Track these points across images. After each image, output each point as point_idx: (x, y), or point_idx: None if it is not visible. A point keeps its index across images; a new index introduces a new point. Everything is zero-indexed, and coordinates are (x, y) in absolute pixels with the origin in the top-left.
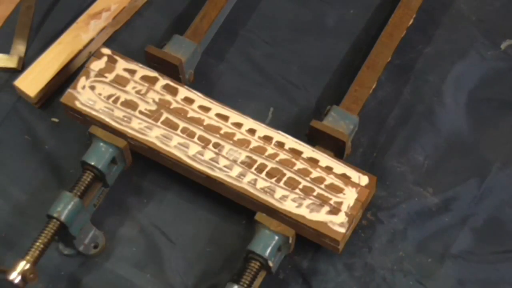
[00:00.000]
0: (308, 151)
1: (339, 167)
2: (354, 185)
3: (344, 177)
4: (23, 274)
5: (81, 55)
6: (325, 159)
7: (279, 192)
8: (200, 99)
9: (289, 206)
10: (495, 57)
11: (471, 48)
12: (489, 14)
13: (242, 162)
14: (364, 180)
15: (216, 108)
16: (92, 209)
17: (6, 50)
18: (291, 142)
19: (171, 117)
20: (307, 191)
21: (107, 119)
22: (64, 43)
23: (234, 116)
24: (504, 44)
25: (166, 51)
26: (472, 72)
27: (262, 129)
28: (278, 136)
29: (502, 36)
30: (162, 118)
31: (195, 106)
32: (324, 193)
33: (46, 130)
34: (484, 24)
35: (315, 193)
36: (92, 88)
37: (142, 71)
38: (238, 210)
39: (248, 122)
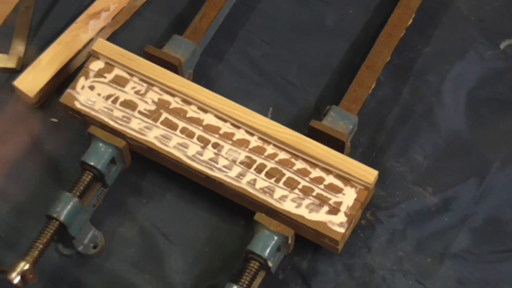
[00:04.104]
0: None
1: None
2: (354, 185)
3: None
4: (23, 274)
5: (80, 55)
6: None
7: (279, 192)
8: None
9: (288, 206)
10: (494, 57)
11: (471, 48)
12: (488, 14)
13: (242, 162)
14: None
15: None
16: (91, 209)
17: (5, 50)
18: None
19: (170, 117)
20: (306, 191)
21: (107, 119)
22: (63, 43)
23: None
24: (503, 44)
25: (166, 51)
26: (471, 72)
27: None
28: None
29: (502, 36)
30: (162, 118)
31: (194, 106)
32: (323, 193)
33: (46, 130)
34: (483, 24)
35: (314, 193)
36: (92, 88)
37: None
38: (237, 210)
39: None
